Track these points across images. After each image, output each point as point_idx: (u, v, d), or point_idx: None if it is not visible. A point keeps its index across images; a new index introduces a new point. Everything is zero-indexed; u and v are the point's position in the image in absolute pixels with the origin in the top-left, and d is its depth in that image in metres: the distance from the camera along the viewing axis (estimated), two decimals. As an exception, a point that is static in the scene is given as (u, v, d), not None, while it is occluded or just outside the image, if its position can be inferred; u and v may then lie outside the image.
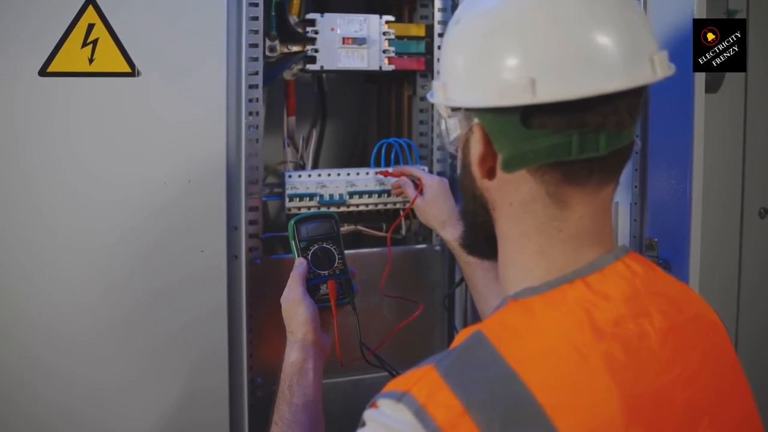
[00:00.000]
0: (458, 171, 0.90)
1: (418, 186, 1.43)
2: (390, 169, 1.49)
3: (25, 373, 1.21)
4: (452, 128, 0.86)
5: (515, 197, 0.82)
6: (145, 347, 1.27)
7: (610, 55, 0.77)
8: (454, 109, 0.85)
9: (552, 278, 0.81)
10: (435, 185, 1.41)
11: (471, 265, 1.33)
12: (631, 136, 0.81)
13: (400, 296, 1.44)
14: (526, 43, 0.78)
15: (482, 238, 0.89)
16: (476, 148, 0.83)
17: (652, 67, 0.80)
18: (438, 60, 1.50)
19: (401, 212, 1.51)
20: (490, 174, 0.83)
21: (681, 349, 0.80)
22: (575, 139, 0.77)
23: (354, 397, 1.44)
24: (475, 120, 0.82)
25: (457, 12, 0.87)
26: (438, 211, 1.39)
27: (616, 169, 0.83)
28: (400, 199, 1.50)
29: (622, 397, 0.73)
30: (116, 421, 1.26)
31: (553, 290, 0.80)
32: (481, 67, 0.80)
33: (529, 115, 0.78)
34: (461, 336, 0.79)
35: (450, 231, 1.36)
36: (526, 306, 0.79)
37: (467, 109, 0.84)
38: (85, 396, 1.24)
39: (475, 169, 0.84)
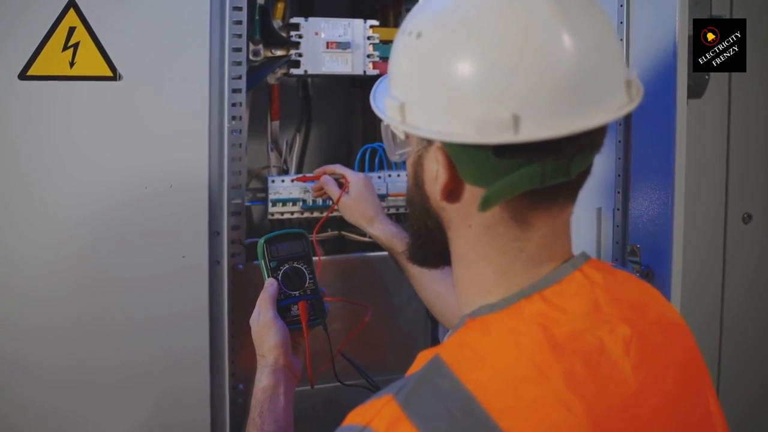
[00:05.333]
0: (408, 185, 0.84)
1: (342, 185, 1.40)
2: (309, 174, 1.45)
3: (6, 375, 1.20)
4: (401, 144, 0.82)
5: (476, 220, 0.78)
6: (126, 353, 1.25)
7: (595, 86, 0.74)
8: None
9: (509, 294, 0.78)
10: (361, 182, 1.38)
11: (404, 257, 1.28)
12: (595, 156, 0.78)
13: (344, 299, 1.39)
14: (508, 73, 0.72)
15: (435, 253, 0.85)
16: (435, 170, 0.78)
17: (629, 92, 0.77)
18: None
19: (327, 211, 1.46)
20: (451, 197, 0.78)
21: (646, 354, 0.78)
22: (549, 167, 0.73)
23: (335, 401, 1.43)
24: (438, 143, 0.77)
25: (414, 21, 0.79)
26: (366, 207, 1.37)
27: (580, 188, 0.80)
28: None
29: (587, 413, 0.71)
30: (96, 426, 1.25)
31: (510, 306, 0.77)
32: (455, 97, 0.74)
33: (506, 148, 0.73)
34: (420, 360, 0.76)
35: (378, 227, 1.34)
36: (483, 324, 0.77)
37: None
38: (65, 401, 1.23)
39: (431, 189, 0.80)
